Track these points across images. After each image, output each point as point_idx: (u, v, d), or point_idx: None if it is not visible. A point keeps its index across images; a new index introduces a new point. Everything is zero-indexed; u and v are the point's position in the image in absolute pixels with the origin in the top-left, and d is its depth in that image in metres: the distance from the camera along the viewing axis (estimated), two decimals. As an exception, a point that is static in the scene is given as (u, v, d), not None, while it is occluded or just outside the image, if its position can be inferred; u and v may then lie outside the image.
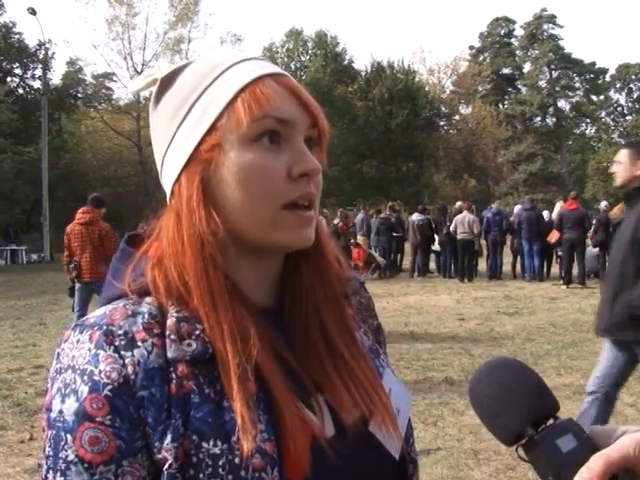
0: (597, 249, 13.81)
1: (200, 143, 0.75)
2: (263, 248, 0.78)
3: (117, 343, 0.70)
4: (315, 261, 0.83)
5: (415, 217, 15.94)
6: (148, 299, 0.75)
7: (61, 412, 0.69)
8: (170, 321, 0.72)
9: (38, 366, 6.86)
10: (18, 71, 33.48)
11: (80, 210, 7.30)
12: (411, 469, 0.87)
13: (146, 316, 0.73)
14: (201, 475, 0.67)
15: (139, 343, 0.71)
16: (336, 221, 15.25)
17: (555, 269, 14.72)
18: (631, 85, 52.00)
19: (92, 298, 7.20)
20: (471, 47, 57.41)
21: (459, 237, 14.53)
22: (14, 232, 27.64)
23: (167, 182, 0.80)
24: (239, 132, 0.73)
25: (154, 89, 0.81)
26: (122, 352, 0.70)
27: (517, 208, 16.55)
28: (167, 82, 0.80)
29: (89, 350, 0.70)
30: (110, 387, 0.68)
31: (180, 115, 0.77)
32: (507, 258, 15.56)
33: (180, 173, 0.77)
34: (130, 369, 0.69)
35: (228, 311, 0.73)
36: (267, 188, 0.74)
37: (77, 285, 7.22)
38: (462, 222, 14.59)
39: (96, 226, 7.17)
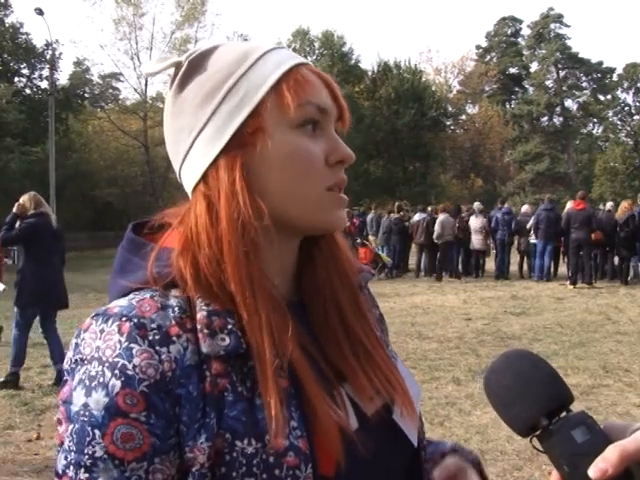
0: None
1: (241, 127, 0.74)
2: (305, 230, 0.79)
3: (151, 338, 0.67)
4: (329, 249, 0.84)
5: (417, 217, 15.93)
6: (174, 291, 0.72)
7: (86, 406, 0.65)
8: (201, 315, 0.70)
9: (45, 365, 6.86)
10: (25, 71, 33.56)
11: None
12: (423, 456, 0.88)
13: (176, 310, 0.70)
14: (234, 474, 0.66)
15: (174, 339, 0.68)
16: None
17: (562, 269, 14.67)
18: (638, 84, 51.72)
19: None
20: (478, 47, 57.38)
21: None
22: (22, 232, 27.71)
23: (198, 166, 0.77)
24: (285, 117, 0.74)
25: (181, 72, 0.78)
26: (157, 347, 0.67)
27: (525, 208, 16.54)
28: (196, 65, 0.78)
29: (119, 342, 0.67)
30: (146, 383, 0.66)
31: (216, 99, 0.75)
32: (514, 258, 15.52)
33: (217, 157, 0.75)
34: (167, 365, 0.67)
35: (267, 300, 0.71)
36: (311, 172, 0.75)
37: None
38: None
39: None
